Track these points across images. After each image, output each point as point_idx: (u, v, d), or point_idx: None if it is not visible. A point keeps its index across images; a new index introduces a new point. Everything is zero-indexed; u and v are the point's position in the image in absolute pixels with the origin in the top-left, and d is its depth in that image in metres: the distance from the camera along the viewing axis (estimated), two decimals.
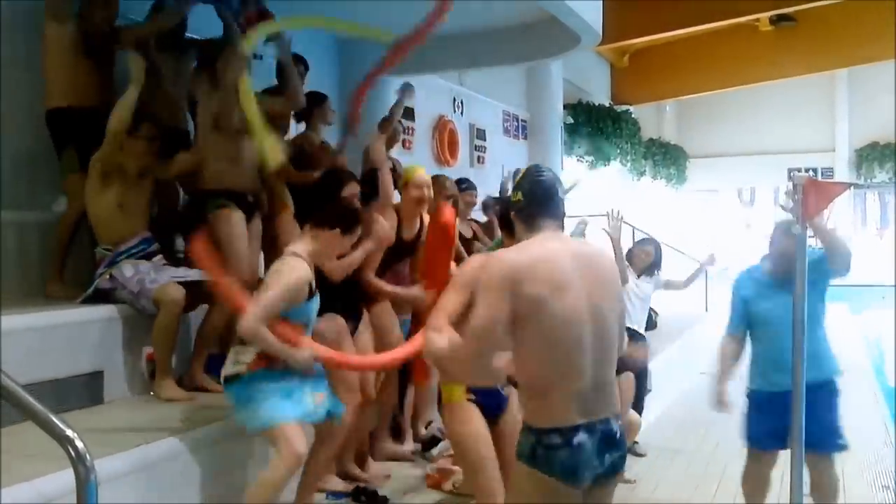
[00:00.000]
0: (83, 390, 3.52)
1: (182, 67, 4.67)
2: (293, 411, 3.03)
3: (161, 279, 3.70)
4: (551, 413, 2.25)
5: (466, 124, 9.70)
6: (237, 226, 4.06)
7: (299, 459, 2.99)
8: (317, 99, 4.91)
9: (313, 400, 3.12)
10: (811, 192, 2.83)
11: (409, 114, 8.25)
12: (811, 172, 16.24)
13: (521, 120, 11.14)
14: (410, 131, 8.29)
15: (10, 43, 4.24)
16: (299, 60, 5.01)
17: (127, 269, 3.75)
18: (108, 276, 3.77)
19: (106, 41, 4.23)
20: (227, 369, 3.10)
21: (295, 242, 3.28)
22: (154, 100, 4.27)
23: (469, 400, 3.22)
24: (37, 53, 4.16)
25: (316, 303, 3.24)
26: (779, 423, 3.30)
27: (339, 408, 3.29)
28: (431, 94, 8.70)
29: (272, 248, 4.29)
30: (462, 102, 9.59)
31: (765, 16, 12.77)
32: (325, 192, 3.89)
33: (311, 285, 3.14)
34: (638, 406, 5.13)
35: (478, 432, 3.21)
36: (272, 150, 3.79)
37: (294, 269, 3.08)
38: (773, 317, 3.60)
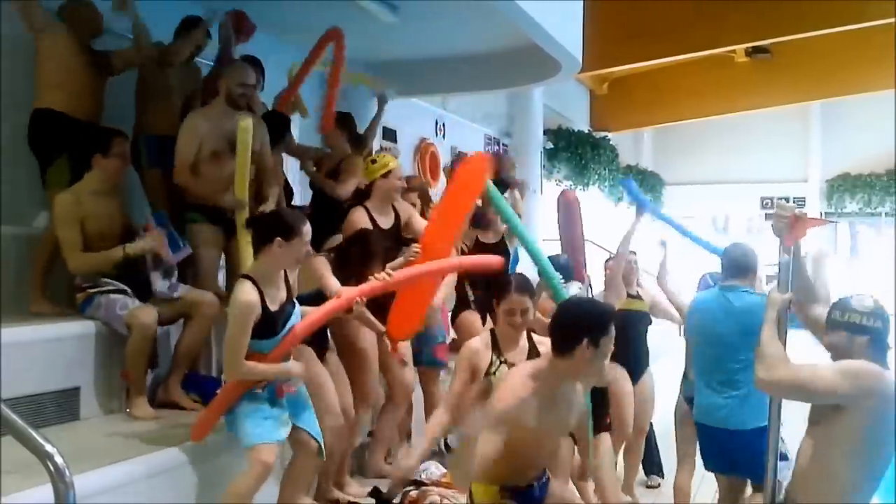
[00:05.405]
0: (59, 406, 3.50)
1: (186, 79, 4.71)
2: (271, 435, 3.13)
3: (133, 303, 3.69)
4: None
5: (448, 147, 9.79)
6: (207, 241, 4.08)
7: (267, 468, 3.06)
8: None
9: (285, 425, 3.22)
10: (794, 223, 3.07)
11: (392, 136, 8.32)
12: (783, 201, 16.48)
13: (503, 144, 11.24)
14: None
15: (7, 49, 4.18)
16: (254, 63, 4.98)
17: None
18: (86, 296, 3.76)
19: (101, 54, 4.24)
20: None
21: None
22: (158, 111, 4.39)
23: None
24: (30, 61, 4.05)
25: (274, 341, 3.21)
26: None
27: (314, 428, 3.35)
28: (414, 117, 8.77)
29: None
30: (444, 126, 9.67)
31: (741, 48, 13.01)
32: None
33: (264, 305, 3.08)
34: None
35: None
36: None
37: (237, 293, 3.07)
38: None
